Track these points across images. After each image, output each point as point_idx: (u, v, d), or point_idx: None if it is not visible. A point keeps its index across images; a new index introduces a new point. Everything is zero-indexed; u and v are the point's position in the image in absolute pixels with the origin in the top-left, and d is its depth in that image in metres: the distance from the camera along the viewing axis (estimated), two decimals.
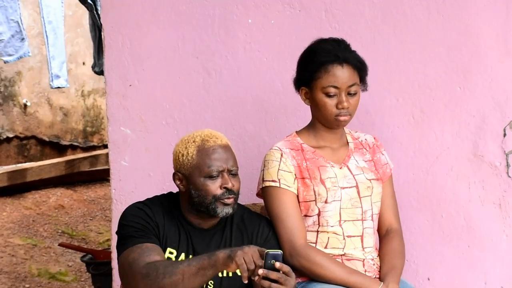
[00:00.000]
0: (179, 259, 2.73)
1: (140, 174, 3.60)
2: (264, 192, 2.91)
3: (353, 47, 2.95)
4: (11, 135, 8.11)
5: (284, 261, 2.55)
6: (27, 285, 5.62)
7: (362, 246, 2.90)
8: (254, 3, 3.47)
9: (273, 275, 2.46)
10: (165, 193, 2.87)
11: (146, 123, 3.59)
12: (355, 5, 3.38)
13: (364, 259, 2.89)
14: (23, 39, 6.51)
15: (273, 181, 2.87)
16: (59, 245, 5.93)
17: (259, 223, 2.84)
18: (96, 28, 6.03)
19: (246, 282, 2.50)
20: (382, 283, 2.80)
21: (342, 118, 2.87)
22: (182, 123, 3.52)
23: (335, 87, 2.85)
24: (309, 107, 2.97)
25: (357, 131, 3.08)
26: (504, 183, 3.29)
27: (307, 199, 2.88)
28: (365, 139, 3.05)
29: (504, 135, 3.29)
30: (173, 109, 3.56)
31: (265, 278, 2.46)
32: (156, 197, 2.85)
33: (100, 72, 5.98)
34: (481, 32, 3.28)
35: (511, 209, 3.29)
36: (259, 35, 3.47)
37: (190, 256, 2.71)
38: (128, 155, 3.60)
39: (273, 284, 2.45)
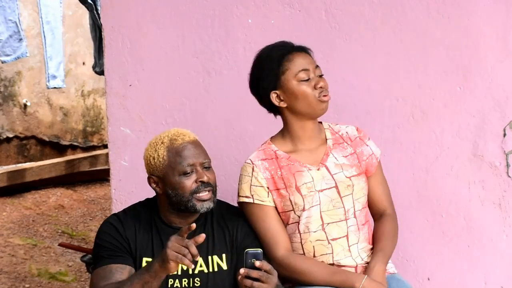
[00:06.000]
0: None
1: (140, 174, 3.57)
2: (240, 206, 2.91)
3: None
4: (11, 135, 8.11)
5: (266, 259, 2.57)
6: (27, 285, 5.61)
7: (348, 245, 2.87)
8: (254, 3, 3.47)
9: (254, 273, 2.48)
10: (142, 200, 2.90)
11: (146, 123, 3.59)
12: (355, 5, 3.38)
13: (356, 265, 2.87)
14: (21, 39, 6.52)
15: (246, 197, 2.87)
16: (59, 245, 5.92)
17: (238, 219, 2.85)
18: (97, 28, 6.03)
19: (192, 267, 2.54)
20: (366, 276, 2.77)
21: (325, 97, 2.85)
22: (182, 123, 3.51)
23: (306, 69, 2.85)
24: None
25: (338, 124, 3.02)
26: (504, 183, 3.29)
27: (285, 209, 2.87)
28: (346, 132, 2.98)
29: (504, 135, 3.29)
30: (173, 109, 3.56)
31: (247, 277, 2.48)
32: (132, 206, 2.90)
33: (101, 72, 5.98)
34: (481, 32, 3.28)
35: (511, 209, 3.29)
36: (259, 35, 3.47)
37: None
38: (128, 155, 3.60)
39: (255, 283, 2.48)
